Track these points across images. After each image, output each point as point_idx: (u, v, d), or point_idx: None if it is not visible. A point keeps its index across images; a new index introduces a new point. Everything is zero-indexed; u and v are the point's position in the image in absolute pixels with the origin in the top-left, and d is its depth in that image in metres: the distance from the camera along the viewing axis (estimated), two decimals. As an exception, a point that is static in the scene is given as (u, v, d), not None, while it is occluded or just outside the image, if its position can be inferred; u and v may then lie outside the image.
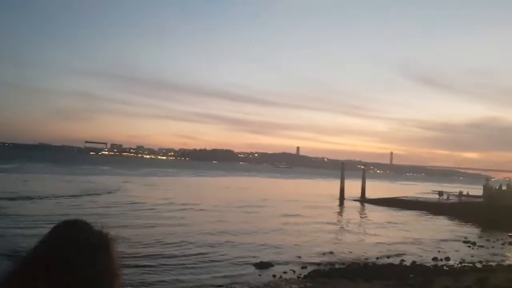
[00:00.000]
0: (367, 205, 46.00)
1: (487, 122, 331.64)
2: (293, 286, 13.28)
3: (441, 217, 37.49)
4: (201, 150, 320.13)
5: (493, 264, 18.41)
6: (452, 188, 78.54)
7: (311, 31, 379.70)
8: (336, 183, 54.62)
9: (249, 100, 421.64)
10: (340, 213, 39.49)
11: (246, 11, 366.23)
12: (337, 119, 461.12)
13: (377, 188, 78.24)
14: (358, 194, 53.03)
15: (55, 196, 36.34)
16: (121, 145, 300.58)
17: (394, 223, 33.12)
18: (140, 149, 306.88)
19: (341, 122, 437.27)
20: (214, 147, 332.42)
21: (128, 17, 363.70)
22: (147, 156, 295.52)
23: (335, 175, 63.78)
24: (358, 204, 47.52)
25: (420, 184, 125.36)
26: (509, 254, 21.22)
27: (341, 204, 47.22)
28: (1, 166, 76.54)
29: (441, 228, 31.10)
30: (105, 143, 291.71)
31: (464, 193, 48.80)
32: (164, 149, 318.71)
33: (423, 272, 15.68)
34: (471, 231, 30.31)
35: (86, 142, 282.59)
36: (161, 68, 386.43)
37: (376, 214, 38.99)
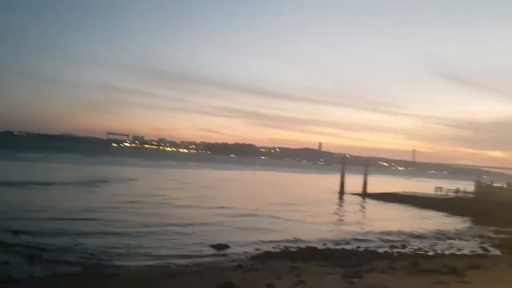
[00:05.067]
0: (363, 199, 46.76)
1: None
2: (233, 263, 14.52)
3: (430, 211, 38.00)
4: (222, 144, 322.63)
5: (447, 253, 19.17)
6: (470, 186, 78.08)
7: (337, 26, 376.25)
8: (351, 178, 55.38)
9: (272, 95, 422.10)
10: (333, 205, 40.15)
11: (272, 4, 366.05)
12: (361, 115, 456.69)
13: (388, 184, 78.35)
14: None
15: (62, 184, 38.42)
16: (143, 137, 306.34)
17: (379, 214, 34.13)
18: (162, 141, 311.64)
19: (365, 118, 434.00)
20: (236, 141, 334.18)
21: (153, 10, 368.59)
22: (169, 149, 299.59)
23: (355, 170, 64.45)
24: (356, 198, 48.13)
25: (436, 181, 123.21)
26: (471, 246, 21.81)
27: (340, 197, 48.01)
28: (26, 155, 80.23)
29: (422, 220, 31.67)
30: (127, 135, 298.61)
31: (461, 189, 48.95)
32: (186, 142, 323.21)
33: (368, 256, 16.68)
34: (452, 224, 30.84)
35: (108, 133, 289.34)
36: (186, 62, 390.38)
37: (368, 207, 39.97)
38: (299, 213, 31.35)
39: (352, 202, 43.20)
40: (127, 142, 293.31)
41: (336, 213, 34.46)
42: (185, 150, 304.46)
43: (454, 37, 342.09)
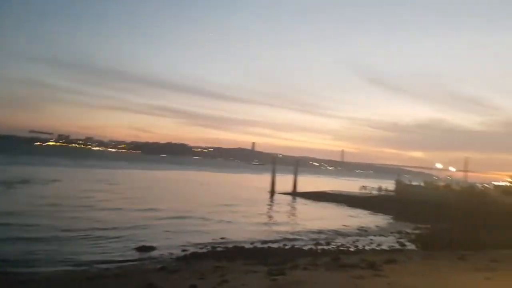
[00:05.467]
0: (294, 198, 47.91)
1: (433, 123, 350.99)
2: (157, 265, 14.29)
3: (356, 209, 39.81)
4: (154, 143, 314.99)
5: (367, 248, 20.21)
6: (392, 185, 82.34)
7: (270, 29, 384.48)
8: (283, 178, 56.34)
9: (205, 95, 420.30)
10: (264, 205, 40.70)
11: (208, 5, 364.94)
12: (293, 116, 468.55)
13: (317, 183, 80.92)
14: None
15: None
16: (68, 136, 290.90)
17: (307, 213, 35.15)
18: (89, 140, 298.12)
19: (297, 119, 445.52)
20: (168, 141, 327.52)
21: (82, 3, 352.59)
22: (96, 148, 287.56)
23: (287, 170, 65.58)
24: (286, 197, 49.21)
25: (362, 180, 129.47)
26: (390, 241, 23.17)
27: (271, 196, 48.84)
28: None
29: (348, 218, 33.15)
30: (52, 133, 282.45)
31: (384, 187, 51.72)
32: (115, 141, 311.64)
33: (293, 254, 17.12)
34: (375, 221, 32.51)
35: (30, 131, 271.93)
36: (115, 57, 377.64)
37: (297, 206, 41.04)
38: (231, 213, 31.37)
39: (282, 202, 44.01)
40: (51, 141, 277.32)
41: (266, 213, 34.96)
42: (114, 150, 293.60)
43: (379, 44, 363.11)
